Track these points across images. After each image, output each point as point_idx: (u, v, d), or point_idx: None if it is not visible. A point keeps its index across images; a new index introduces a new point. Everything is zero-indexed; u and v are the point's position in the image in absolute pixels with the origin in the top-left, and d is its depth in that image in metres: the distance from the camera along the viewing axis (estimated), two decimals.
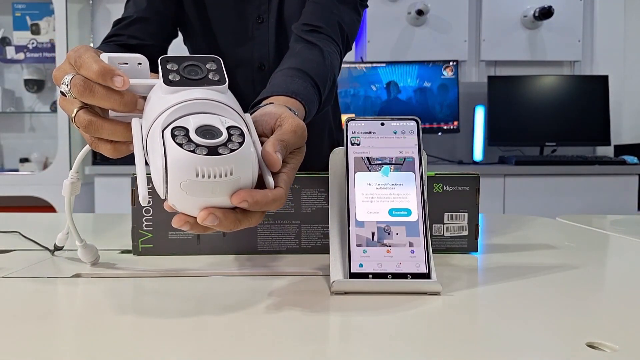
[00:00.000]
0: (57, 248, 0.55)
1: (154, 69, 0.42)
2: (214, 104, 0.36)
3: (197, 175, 0.32)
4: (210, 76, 0.38)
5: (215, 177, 0.33)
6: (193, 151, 0.32)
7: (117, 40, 0.80)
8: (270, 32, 0.87)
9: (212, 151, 0.33)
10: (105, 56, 0.40)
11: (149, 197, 0.54)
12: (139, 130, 0.38)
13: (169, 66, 0.38)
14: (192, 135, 0.33)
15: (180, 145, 0.33)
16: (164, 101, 0.36)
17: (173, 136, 0.33)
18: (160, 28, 0.85)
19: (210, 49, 0.90)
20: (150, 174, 0.36)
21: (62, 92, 0.41)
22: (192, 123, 0.34)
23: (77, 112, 0.41)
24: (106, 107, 0.41)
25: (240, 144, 0.34)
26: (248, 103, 0.68)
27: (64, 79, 0.41)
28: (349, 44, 0.82)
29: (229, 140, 0.34)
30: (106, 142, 0.42)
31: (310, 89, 0.64)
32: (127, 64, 0.41)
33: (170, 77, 0.37)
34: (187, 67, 0.38)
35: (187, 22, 0.90)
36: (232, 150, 0.33)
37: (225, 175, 0.33)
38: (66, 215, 0.49)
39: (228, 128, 0.34)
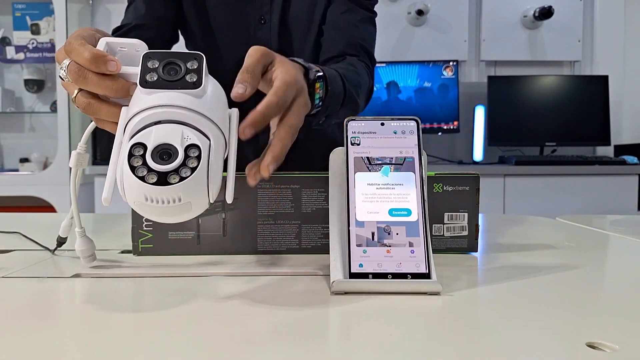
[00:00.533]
0: (61, 241, 0.54)
1: None
2: (183, 113, 0.36)
3: (147, 200, 0.34)
4: (187, 77, 0.38)
5: (163, 203, 0.34)
6: (143, 178, 0.33)
7: None
8: (272, 32, 0.88)
9: (161, 179, 0.34)
10: (103, 41, 0.42)
11: None
12: (123, 122, 0.38)
13: (149, 64, 0.38)
14: (148, 158, 0.34)
15: (133, 169, 0.34)
16: (140, 102, 0.37)
17: (130, 156, 0.34)
18: (159, 33, 0.86)
19: (211, 50, 0.90)
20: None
21: (60, 77, 0.42)
22: (152, 139, 0.34)
23: (76, 94, 0.42)
24: (99, 93, 0.42)
25: (193, 169, 0.34)
26: (250, 103, 0.70)
27: (62, 63, 0.42)
28: (373, 58, 0.86)
29: (183, 164, 0.34)
30: (108, 122, 0.43)
31: (333, 72, 0.65)
32: (125, 49, 0.42)
33: (147, 77, 0.38)
34: (166, 66, 0.38)
35: (186, 24, 0.90)
36: (182, 179, 0.34)
37: (174, 202, 0.34)
38: (71, 191, 0.47)
39: (187, 147, 0.34)
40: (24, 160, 2.46)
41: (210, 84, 0.39)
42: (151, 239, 0.54)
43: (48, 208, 2.24)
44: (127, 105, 0.39)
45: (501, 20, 2.53)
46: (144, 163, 0.34)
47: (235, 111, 0.42)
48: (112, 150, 0.37)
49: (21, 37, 2.45)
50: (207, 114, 0.37)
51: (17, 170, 2.45)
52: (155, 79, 0.37)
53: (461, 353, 0.29)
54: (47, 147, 2.51)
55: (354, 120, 0.46)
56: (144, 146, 0.34)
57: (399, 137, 0.45)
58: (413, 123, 0.46)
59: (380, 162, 0.44)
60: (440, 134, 2.42)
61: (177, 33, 0.91)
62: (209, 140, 0.36)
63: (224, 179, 0.38)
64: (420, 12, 2.42)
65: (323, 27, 0.87)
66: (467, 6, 2.53)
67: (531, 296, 0.40)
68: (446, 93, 2.40)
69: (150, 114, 0.36)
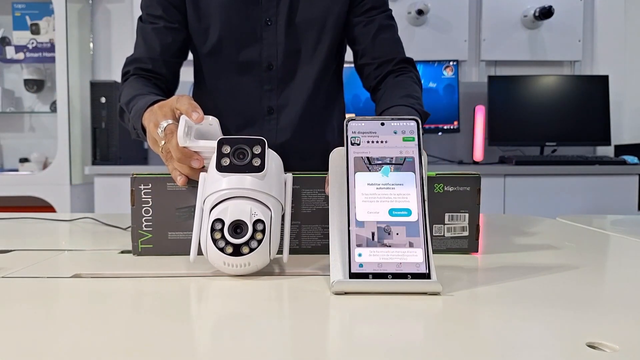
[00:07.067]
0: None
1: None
2: (249, 192, 0.46)
3: (224, 264, 0.44)
4: (253, 162, 0.47)
5: (236, 266, 0.44)
6: (222, 249, 0.44)
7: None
8: (279, 33, 0.87)
9: (236, 250, 0.44)
10: (183, 119, 0.53)
11: (149, 197, 0.54)
12: (202, 185, 0.48)
13: (223, 149, 0.47)
14: (225, 231, 0.44)
15: (214, 241, 0.44)
16: (217, 183, 0.46)
17: (212, 230, 0.44)
18: (185, 36, 0.91)
19: (214, 52, 0.89)
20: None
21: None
22: (228, 216, 0.44)
23: (163, 144, 0.56)
24: (182, 172, 0.53)
25: (259, 241, 0.44)
26: (255, 102, 0.71)
27: (161, 124, 0.57)
28: (411, 60, 0.94)
29: (252, 237, 0.44)
30: (174, 169, 0.54)
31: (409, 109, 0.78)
32: (201, 124, 0.53)
33: (222, 161, 0.47)
34: (236, 151, 0.47)
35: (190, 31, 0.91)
36: (251, 250, 0.44)
37: (245, 266, 0.44)
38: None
39: (254, 222, 0.44)
40: (24, 160, 2.45)
41: (271, 160, 0.48)
42: (151, 239, 0.54)
43: (48, 208, 2.24)
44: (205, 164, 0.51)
45: (501, 20, 2.53)
46: (222, 236, 0.44)
47: (289, 176, 0.50)
48: (195, 215, 0.47)
49: (21, 37, 2.44)
50: (268, 191, 0.46)
51: (16, 170, 2.44)
52: (227, 163, 0.47)
53: (461, 353, 0.29)
54: (47, 147, 2.51)
55: (354, 120, 0.46)
56: (222, 221, 0.44)
57: (399, 137, 0.45)
58: (413, 123, 0.46)
59: (380, 162, 0.44)
60: (440, 134, 2.42)
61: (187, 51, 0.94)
62: (270, 211, 0.46)
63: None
64: (420, 12, 2.42)
65: (358, 48, 0.91)
66: (467, 6, 2.53)
67: (531, 296, 0.40)
68: (446, 93, 2.40)
69: (226, 192, 0.45)
